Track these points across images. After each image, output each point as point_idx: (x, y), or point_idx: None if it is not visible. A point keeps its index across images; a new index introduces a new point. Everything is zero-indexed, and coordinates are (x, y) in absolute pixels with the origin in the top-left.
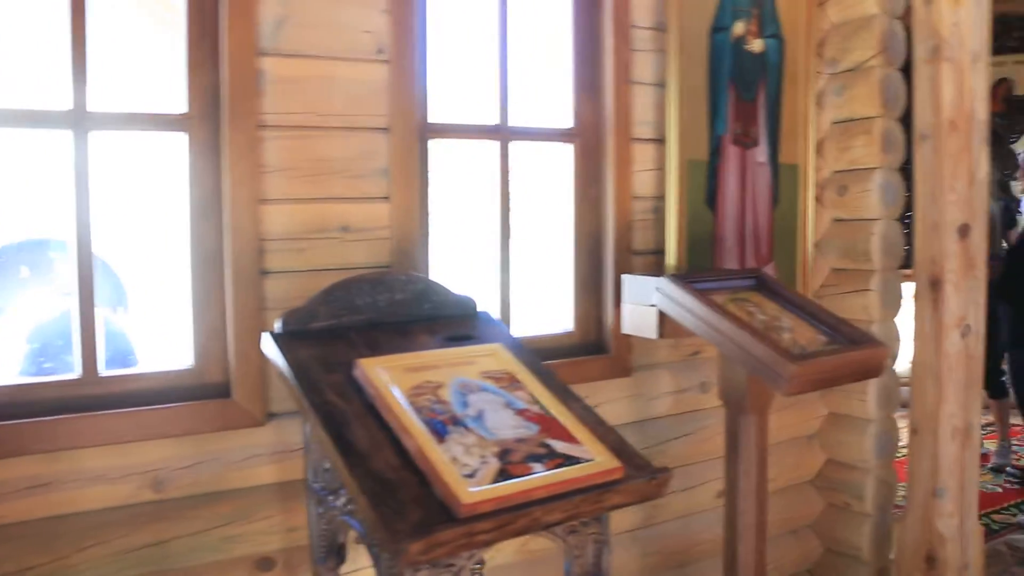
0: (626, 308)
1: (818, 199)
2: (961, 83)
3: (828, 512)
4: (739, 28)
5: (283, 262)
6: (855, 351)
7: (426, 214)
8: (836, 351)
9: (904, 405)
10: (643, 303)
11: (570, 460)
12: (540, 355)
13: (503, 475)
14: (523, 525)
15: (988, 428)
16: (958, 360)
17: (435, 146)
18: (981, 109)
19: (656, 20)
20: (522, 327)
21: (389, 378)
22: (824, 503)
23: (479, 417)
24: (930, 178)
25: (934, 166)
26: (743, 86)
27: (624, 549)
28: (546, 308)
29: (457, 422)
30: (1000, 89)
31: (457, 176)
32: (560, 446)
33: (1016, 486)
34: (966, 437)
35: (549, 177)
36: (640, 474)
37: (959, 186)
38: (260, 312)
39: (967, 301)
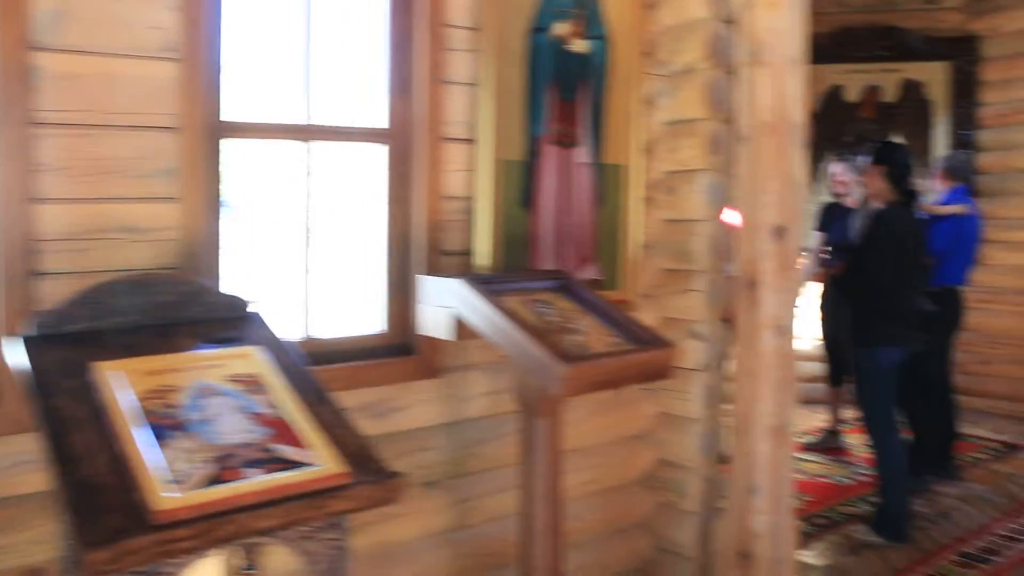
0: (425, 309)
1: (649, 200)
2: (777, 87)
3: (656, 511)
4: (559, 29)
5: (60, 263)
6: (639, 353)
7: (216, 215)
8: (618, 353)
9: None
10: (441, 305)
11: (294, 465)
12: (346, 356)
13: (216, 481)
14: (230, 532)
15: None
16: (772, 360)
17: (246, 147)
18: (797, 112)
19: (473, 19)
20: (328, 329)
21: (126, 381)
22: (653, 502)
23: (209, 422)
24: (748, 180)
25: (750, 167)
26: (564, 87)
27: (433, 552)
28: (361, 309)
29: (182, 427)
30: (871, 96)
31: (266, 177)
32: (287, 451)
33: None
34: (780, 436)
35: (364, 177)
36: (370, 479)
37: (774, 188)
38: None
39: (782, 302)
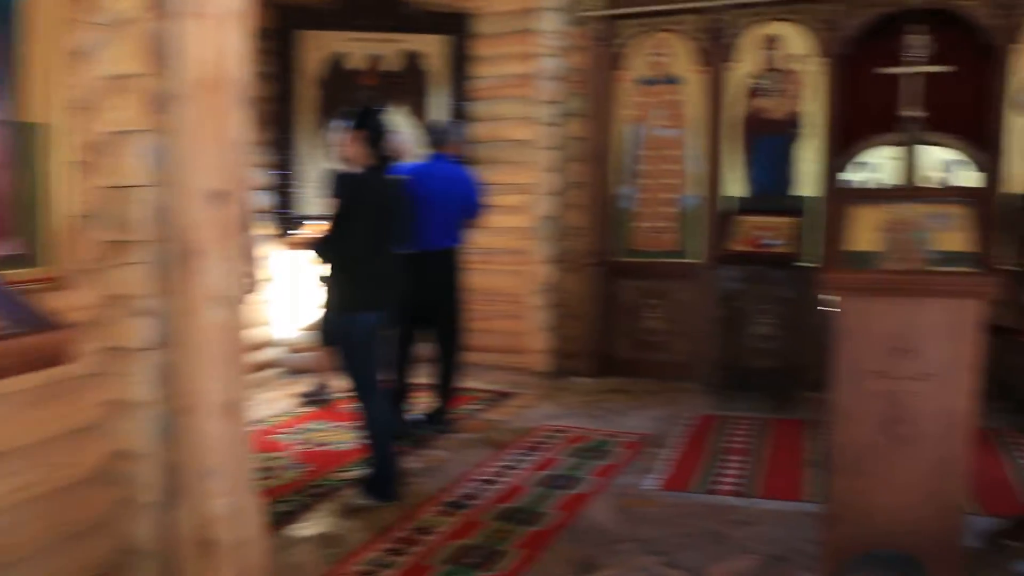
0: None
1: (85, 164)
2: (217, 41)
3: (113, 508)
4: None
5: None
6: (23, 338)
7: None
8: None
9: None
10: None
11: None
12: None
13: None
14: None
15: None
16: (217, 334)
17: None
18: (237, 69)
19: None
20: None
21: None
22: (109, 498)
23: None
24: (183, 141)
25: (187, 128)
26: None
27: None
28: None
29: None
30: (374, 65)
31: None
32: None
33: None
34: (232, 413)
35: None
36: None
37: (215, 150)
38: None
39: (225, 272)
